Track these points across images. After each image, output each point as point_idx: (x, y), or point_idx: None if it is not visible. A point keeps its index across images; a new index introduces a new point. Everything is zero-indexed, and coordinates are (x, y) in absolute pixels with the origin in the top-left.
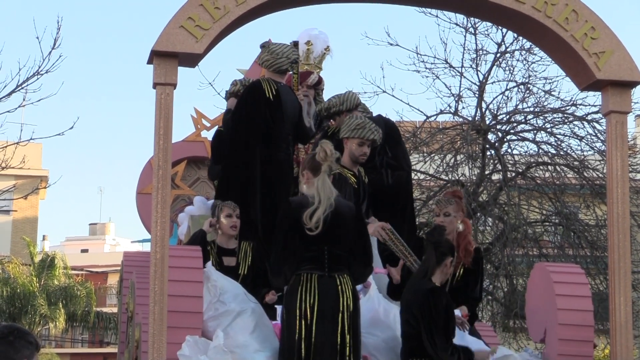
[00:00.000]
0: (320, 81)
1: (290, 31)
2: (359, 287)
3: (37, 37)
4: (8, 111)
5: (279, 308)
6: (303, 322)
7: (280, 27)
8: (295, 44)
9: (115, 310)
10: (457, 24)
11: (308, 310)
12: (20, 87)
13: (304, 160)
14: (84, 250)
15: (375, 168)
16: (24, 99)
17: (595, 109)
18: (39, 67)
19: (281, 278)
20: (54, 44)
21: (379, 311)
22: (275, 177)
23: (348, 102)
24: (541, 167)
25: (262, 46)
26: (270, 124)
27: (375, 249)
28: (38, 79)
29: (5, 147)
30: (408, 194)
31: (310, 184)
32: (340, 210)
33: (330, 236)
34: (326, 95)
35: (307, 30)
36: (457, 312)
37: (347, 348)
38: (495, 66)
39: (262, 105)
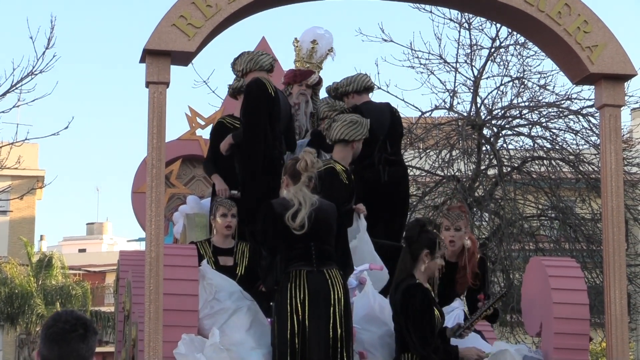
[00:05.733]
0: (319, 82)
1: (283, 28)
2: (355, 283)
3: (31, 37)
4: (3, 111)
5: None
6: (295, 318)
7: (273, 25)
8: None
9: (113, 309)
10: (451, 20)
11: (299, 305)
12: (14, 88)
13: (286, 165)
14: (82, 250)
15: (372, 165)
16: (18, 99)
17: (590, 103)
18: (33, 67)
19: (268, 281)
20: (48, 44)
21: (374, 307)
22: (272, 175)
23: (355, 83)
24: (537, 162)
25: (234, 63)
26: (269, 122)
27: (371, 246)
28: (32, 78)
29: (1, 147)
30: (405, 190)
31: (288, 190)
32: (323, 207)
33: (316, 232)
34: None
35: (313, 29)
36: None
37: (340, 341)
38: (489, 61)
39: (267, 103)
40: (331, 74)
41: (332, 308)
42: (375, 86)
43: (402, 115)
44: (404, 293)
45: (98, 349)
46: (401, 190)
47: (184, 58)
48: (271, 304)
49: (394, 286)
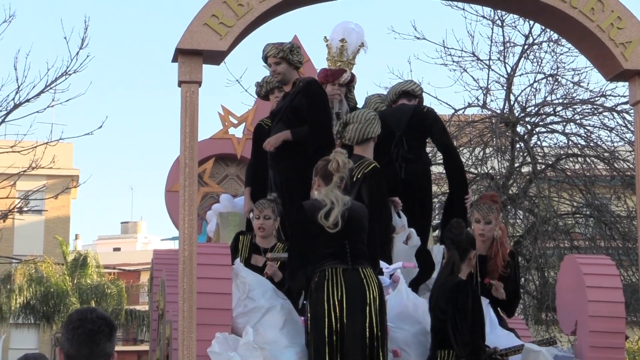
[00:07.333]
0: (352, 79)
1: (316, 26)
2: (388, 281)
3: (65, 38)
4: (37, 111)
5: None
6: (332, 315)
7: (305, 23)
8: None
9: (147, 308)
10: (484, 17)
11: (337, 303)
12: (49, 88)
13: (317, 166)
14: (117, 249)
15: (390, 163)
16: (53, 99)
17: (625, 100)
18: (67, 67)
19: (297, 280)
20: (82, 44)
21: (408, 305)
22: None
23: (388, 99)
24: (571, 159)
25: (291, 51)
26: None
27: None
28: (66, 79)
29: (36, 147)
30: (424, 188)
31: (319, 192)
32: (355, 208)
33: (349, 231)
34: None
35: (342, 24)
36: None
37: (376, 340)
38: (523, 58)
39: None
40: (365, 71)
41: (367, 307)
42: (413, 89)
43: None
44: (454, 289)
45: (133, 348)
46: (420, 188)
47: (216, 57)
48: (305, 302)
49: (438, 284)
